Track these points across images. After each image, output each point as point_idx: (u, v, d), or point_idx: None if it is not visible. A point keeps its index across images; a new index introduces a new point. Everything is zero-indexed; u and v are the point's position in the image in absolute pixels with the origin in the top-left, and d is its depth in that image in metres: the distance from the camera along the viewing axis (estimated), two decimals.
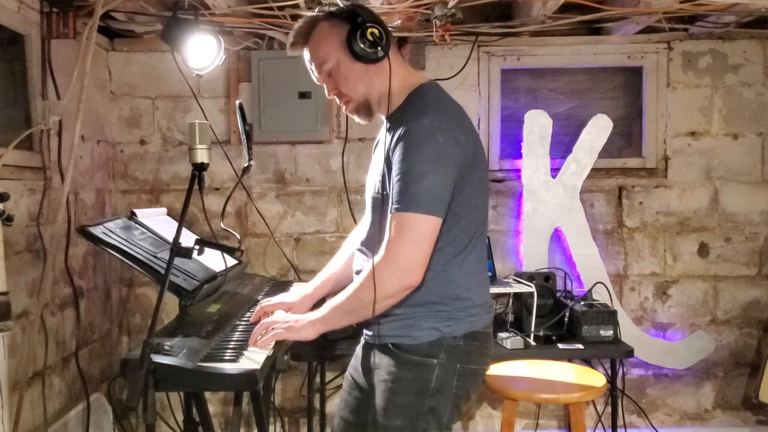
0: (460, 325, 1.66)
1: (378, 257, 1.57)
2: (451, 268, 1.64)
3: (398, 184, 1.56)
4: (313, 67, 1.76)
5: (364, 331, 1.77)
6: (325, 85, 1.77)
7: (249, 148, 2.33)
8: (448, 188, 1.57)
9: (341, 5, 1.70)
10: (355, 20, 1.64)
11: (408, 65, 1.79)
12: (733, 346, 3.43)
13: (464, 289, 1.66)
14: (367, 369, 1.73)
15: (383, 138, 1.68)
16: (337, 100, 1.77)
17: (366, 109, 1.75)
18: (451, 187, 1.57)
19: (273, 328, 1.73)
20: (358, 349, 1.83)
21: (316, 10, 1.75)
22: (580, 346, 2.86)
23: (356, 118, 1.79)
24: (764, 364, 3.23)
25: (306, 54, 1.76)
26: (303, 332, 1.70)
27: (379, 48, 1.64)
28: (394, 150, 1.58)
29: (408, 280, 1.55)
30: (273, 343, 1.75)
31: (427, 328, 1.64)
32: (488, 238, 3.30)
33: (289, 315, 1.82)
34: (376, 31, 1.63)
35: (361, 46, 1.64)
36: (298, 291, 2.06)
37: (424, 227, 1.54)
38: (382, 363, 1.68)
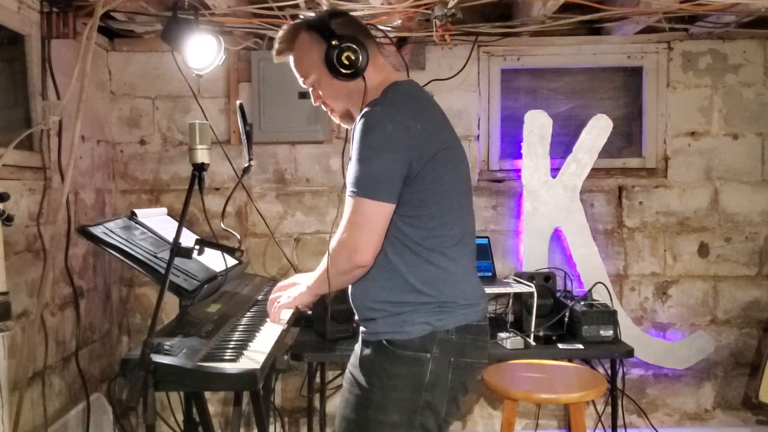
0: (452, 318, 1.67)
1: (334, 238, 1.68)
2: (429, 256, 1.67)
3: (349, 171, 1.66)
4: (298, 75, 1.86)
5: (361, 329, 1.79)
6: (311, 92, 1.86)
7: (249, 148, 2.33)
8: (394, 173, 1.61)
9: (324, 8, 1.73)
10: (331, 41, 1.71)
11: (391, 67, 1.85)
12: (733, 346, 3.43)
13: (448, 273, 1.68)
14: (364, 366, 1.74)
15: None
16: (323, 107, 1.87)
17: (349, 118, 1.85)
18: (401, 172, 1.62)
19: (278, 301, 1.95)
20: (357, 347, 1.84)
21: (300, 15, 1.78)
22: (580, 346, 2.86)
23: (343, 124, 1.89)
24: (764, 364, 3.23)
25: (291, 61, 1.84)
26: (299, 299, 1.90)
27: (354, 70, 1.72)
28: (353, 141, 1.68)
29: (355, 260, 1.63)
30: (290, 315, 1.99)
31: (419, 323, 1.66)
32: (488, 238, 3.31)
33: (291, 289, 1.99)
34: (351, 55, 1.71)
35: (338, 68, 1.72)
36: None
37: (364, 211, 1.61)
38: (378, 359, 1.70)
